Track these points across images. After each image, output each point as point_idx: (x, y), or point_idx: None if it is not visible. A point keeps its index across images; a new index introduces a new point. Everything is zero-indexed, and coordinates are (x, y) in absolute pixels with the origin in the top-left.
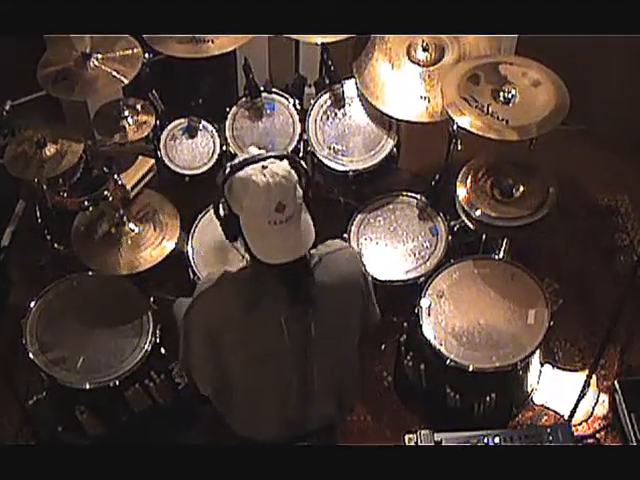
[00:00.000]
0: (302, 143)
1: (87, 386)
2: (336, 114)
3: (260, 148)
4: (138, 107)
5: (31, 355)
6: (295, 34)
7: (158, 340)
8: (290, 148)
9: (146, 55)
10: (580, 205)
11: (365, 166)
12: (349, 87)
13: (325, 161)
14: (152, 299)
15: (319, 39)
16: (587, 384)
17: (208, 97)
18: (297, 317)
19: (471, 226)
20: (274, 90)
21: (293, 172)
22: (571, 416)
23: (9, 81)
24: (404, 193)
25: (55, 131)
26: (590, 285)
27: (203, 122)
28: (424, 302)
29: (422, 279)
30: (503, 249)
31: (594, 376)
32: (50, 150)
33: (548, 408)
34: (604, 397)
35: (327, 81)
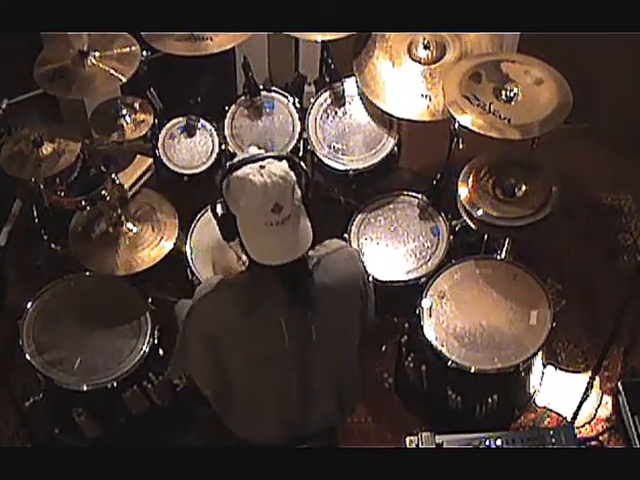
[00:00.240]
0: (302, 142)
1: (84, 388)
2: (336, 113)
3: (260, 147)
4: (136, 105)
5: (28, 356)
6: (295, 32)
7: (156, 341)
8: (290, 147)
9: (144, 53)
10: (583, 205)
11: (365, 165)
12: (349, 85)
13: (325, 160)
14: (150, 300)
15: (319, 37)
16: (590, 386)
17: (207, 95)
18: (297, 319)
19: (473, 226)
20: (274, 88)
21: (291, 173)
22: (574, 418)
23: (5, 79)
24: (405, 192)
25: (52, 130)
26: (593, 286)
27: (202, 121)
28: (425, 303)
29: (423, 279)
30: (505, 249)
31: (597, 378)
32: (47, 149)
33: (551, 410)
34: (607, 399)
35: (327, 79)
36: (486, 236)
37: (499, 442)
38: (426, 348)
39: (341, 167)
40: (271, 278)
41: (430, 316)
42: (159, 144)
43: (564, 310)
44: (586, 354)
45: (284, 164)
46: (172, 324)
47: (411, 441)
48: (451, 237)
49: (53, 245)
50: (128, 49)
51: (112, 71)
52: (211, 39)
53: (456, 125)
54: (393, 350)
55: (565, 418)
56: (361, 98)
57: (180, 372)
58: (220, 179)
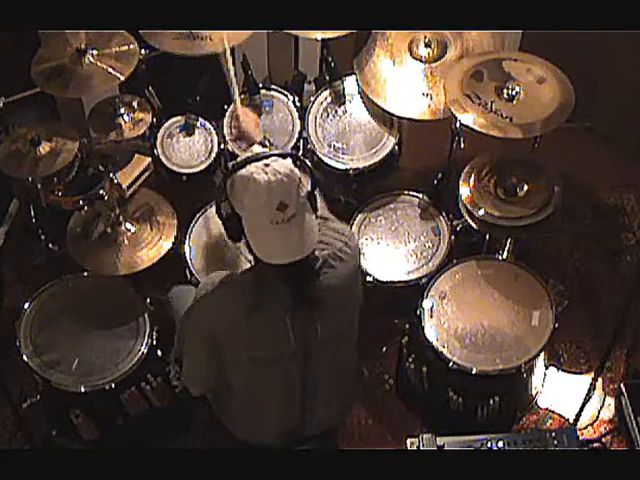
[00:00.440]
0: (301, 141)
1: (82, 389)
2: (336, 111)
3: (264, 146)
4: (134, 104)
5: (25, 357)
6: (294, 30)
7: (155, 342)
8: (289, 146)
9: (142, 51)
10: (586, 204)
11: (366, 164)
12: (350, 84)
13: (325, 159)
14: (149, 300)
15: (319, 35)
16: (593, 387)
17: (206, 94)
18: (302, 319)
19: (474, 226)
20: (273, 87)
21: (296, 170)
22: (576, 420)
23: (2, 78)
24: (406, 192)
25: (49, 129)
26: (596, 286)
27: (201, 119)
28: (426, 303)
29: (424, 280)
30: (507, 249)
31: (600, 379)
32: (44, 148)
33: (553, 412)
34: (610, 400)
35: (327, 78)
36: (488, 236)
37: (501, 444)
38: (427, 349)
39: (341, 166)
40: (276, 277)
41: (431, 317)
42: (157, 143)
43: (566, 311)
44: (588, 355)
45: (288, 162)
46: (171, 325)
47: (412, 443)
48: (452, 237)
49: (51, 245)
50: (126, 47)
51: (110, 69)
52: (210, 38)
53: (457, 124)
54: (394, 351)
55: (567, 420)
56: (361, 97)
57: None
58: (224, 179)
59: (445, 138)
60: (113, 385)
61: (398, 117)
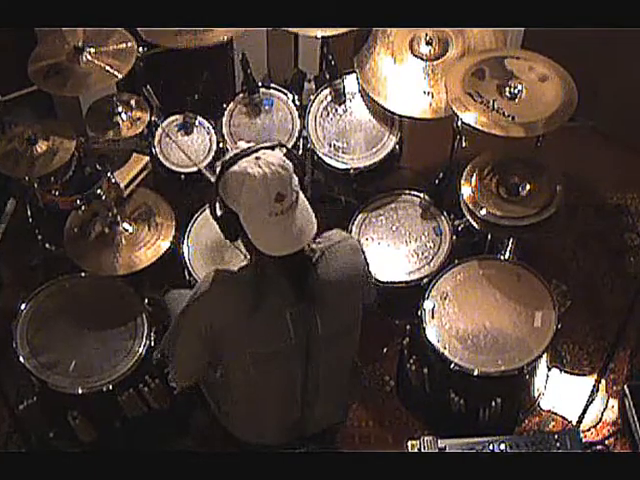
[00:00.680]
0: (301, 140)
1: (79, 391)
2: (337, 110)
3: (248, 142)
4: (132, 103)
5: (21, 359)
6: (294, 27)
7: (153, 343)
8: (289, 145)
9: (140, 49)
10: (588, 204)
11: (367, 164)
12: (350, 82)
13: (325, 159)
14: (147, 301)
15: (319, 32)
16: (596, 389)
17: (204, 93)
18: (302, 313)
19: (476, 226)
20: (272, 85)
21: (288, 160)
22: (579, 422)
23: None
24: (407, 192)
25: (46, 127)
26: (599, 286)
27: (199, 118)
28: (427, 304)
29: (425, 280)
30: (509, 249)
31: (603, 380)
32: (41, 147)
33: (555, 413)
34: (613, 402)
35: (327, 76)
36: (489, 236)
37: (503, 446)
38: (428, 350)
39: (342, 166)
40: (276, 272)
41: (432, 318)
42: (156, 142)
43: (569, 311)
44: (592, 356)
45: (278, 152)
46: (169, 325)
47: (413, 445)
48: (454, 237)
49: (48, 245)
50: (124, 45)
51: (108, 67)
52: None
53: (459, 123)
54: (395, 352)
55: (570, 422)
56: (362, 95)
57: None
58: (216, 179)
59: (446, 137)
60: (111, 387)
61: (399, 116)
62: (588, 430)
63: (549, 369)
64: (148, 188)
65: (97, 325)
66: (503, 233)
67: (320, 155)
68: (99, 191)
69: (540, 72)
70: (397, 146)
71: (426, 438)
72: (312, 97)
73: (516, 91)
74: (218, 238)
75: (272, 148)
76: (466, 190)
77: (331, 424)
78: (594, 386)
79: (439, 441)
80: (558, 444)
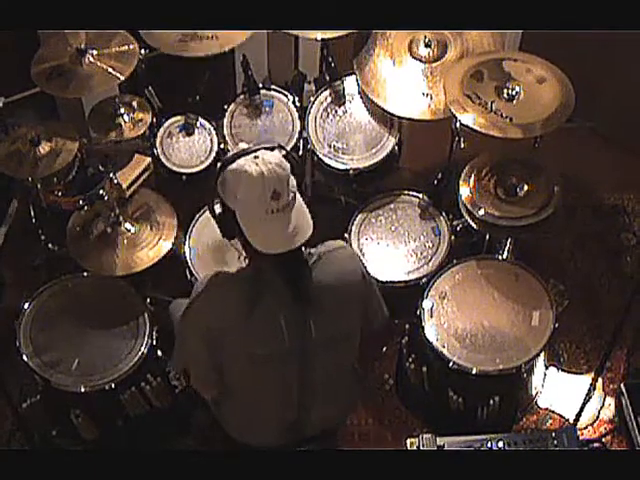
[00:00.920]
0: (302, 141)
1: (82, 389)
2: (336, 111)
3: (249, 143)
4: (134, 104)
5: (25, 357)
6: (294, 30)
7: (155, 342)
8: (289, 146)
9: (142, 51)
10: (586, 204)
11: (366, 164)
12: (350, 84)
13: (325, 159)
14: (148, 300)
15: (319, 35)
16: (593, 387)
17: (206, 94)
18: (296, 316)
19: (474, 226)
20: (273, 87)
21: (285, 161)
22: (576, 420)
23: (2, 78)
24: (406, 192)
25: (49, 129)
26: (596, 286)
27: (200, 119)
28: (426, 303)
29: (424, 280)
30: (507, 249)
31: (600, 379)
32: (44, 148)
33: (553, 412)
34: (610, 400)
35: (327, 78)
36: (488, 236)
37: (501, 444)
38: (427, 349)
39: (341, 166)
40: (272, 274)
41: (431, 317)
42: (157, 143)
43: (566, 311)
44: (589, 355)
45: (277, 153)
46: (170, 325)
47: (412, 443)
48: (452, 237)
49: (50, 245)
50: (126, 47)
51: (110, 69)
52: (216, 37)
53: (457, 124)
54: (394, 351)
55: (567, 420)
56: (361, 97)
57: (181, 366)
58: (215, 177)
59: (445, 138)
60: (113, 385)
61: (398, 117)
62: (585, 428)
63: (547, 368)
64: (150, 189)
65: (99, 324)
66: (501, 233)
67: (320, 156)
68: (101, 191)
69: (538, 74)
70: (396, 147)
71: (425, 436)
72: (312, 98)
73: (514, 93)
74: (219, 238)
75: (271, 149)
76: (464, 190)
77: (331, 427)
78: (591, 384)
79: (438, 439)
80: (555, 442)
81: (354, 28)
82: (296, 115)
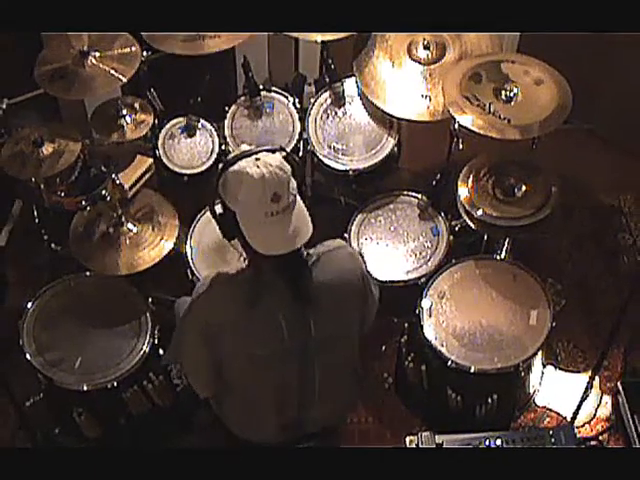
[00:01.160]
0: (302, 142)
1: (85, 387)
2: (336, 113)
3: (251, 145)
4: (136, 106)
5: (28, 356)
6: (295, 32)
7: (156, 341)
8: (290, 147)
9: (144, 53)
10: (583, 205)
11: (366, 165)
12: (349, 85)
13: (325, 160)
14: (150, 299)
15: (319, 37)
16: (590, 386)
17: (207, 96)
18: (296, 316)
19: (473, 226)
20: (274, 89)
21: (286, 163)
22: (574, 418)
23: (6, 79)
24: (405, 193)
25: (52, 130)
26: (593, 286)
27: (202, 121)
28: (425, 303)
29: (423, 279)
30: (505, 249)
31: (597, 377)
32: (47, 149)
33: (550, 410)
34: (607, 399)
35: (327, 79)
36: (486, 236)
37: (499, 442)
38: (426, 348)
39: (341, 167)
40: (272, 273)
41: (430, 316)
42: (159, 144)
43: (564, 310)
44: (586, 354)
45: (278, 155)
46: (172, 324)
47: (411, 441)
48: (451, 237)
49: (53, 245)
50: (128, 49)
51: (112, 71)
52: (218, 36)
53: (456, 125)
54: (393, 350)
55: (565, 418)
56: (361, 98)
57: (173, 360)
58: (216, 178)
59: (444, 139)
60: (115, 384)
61: (397, 118)
62: (582, 426)
63: (544, 366)
64: (152, 189)
65: (102, 323)
66: (499, 233)
67: (320, 157)
68: (104, 192)
69: (535, 76)
70: (395, 148)
71: (424, 434)
72: (312, 100)
73: (512, 94)
74: (220, 238)
75: (273, 151)
76: (463, 191)
77: (331, 425)
78: (588, 383)
79: (436, 437)
80: (553, 440)
81: (354, 30)
82: (296, 116)
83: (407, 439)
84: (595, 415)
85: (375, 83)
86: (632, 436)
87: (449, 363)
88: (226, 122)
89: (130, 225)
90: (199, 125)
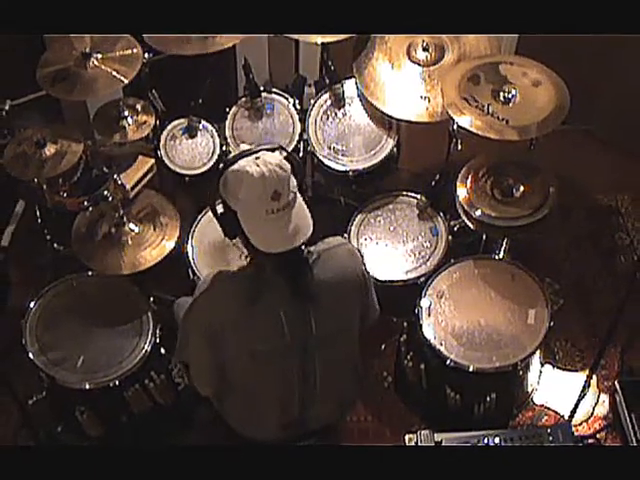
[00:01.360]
0: (302, 143)
1: (87, 386)
2: (336, 114)
3: (251, 144)
4: (138, 107)
5: (31, 355)
6: (295, 34)
7: (158, 340)
8: (290, 148)
9: (146, 55)
10: (580, 205)
11: (365, 166)
12: (349, 87)
13: (325, 161)
14: (152, 299)
15: (319, 39)
16: (587, 384)
17: (208, 97)
18: (297, 312)
19: (471, 226)
20: (274, 90)
21: (285, 162)
22: (571, 416)
23: (8, 81)
24: (404, 193)
25: (55, 131)
26: (590, 285)
27: (203, 122)
28: (424, 302)
29: (422, 279)
30: (503, 249)
31: (594, 376)
32: (50, 150)
33: (548, 408)
34: (604, 397)
35: (327, 81)
36: (484, 236)
37: (497, 440)
38: (425, 347)
39: (341, 168)
40: (273, 271)
41: (429, 315)
42: (161, 145)
43: (562, 309)
44: (583, 353)
45: (277, 154)
46: (173, 323)
47: (410, 439)
48: (450, 237)
49: (56, 245)
50: (130, 51)
51: (114, 73)
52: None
53: (455, 126)
54: (392, 349)
55: (563, 416)
56: (361, 100)
57: (181, 359)
58: (217, 178)
59: (443, 140)
60: (117, 382)
61: (397, 119)
62: (580, 424)
63: (542, 365)
64: (153, 189)
65: (104, 323)
66: (498, 233)
67: (320, 157)
68: (106, 192)
69: (533, 77)
70: (395, 149)
71: (423, 432)
72: (312, 101)
73: (510, 96)
74: (221, 238)
75: (272, 150)
76: (462, 191)
77: (331, 422)
78: (586, 382)
79: (435, 435)
80: (551, 438)
81: (354, 32)
82: (296, 117)
83: (406, 437)
84: (592, 413)
85: (375, 84)
86: (629, 434)
87: (448, 362)
88: (227, 123)
89: (132, 225)
90: (200, 126)
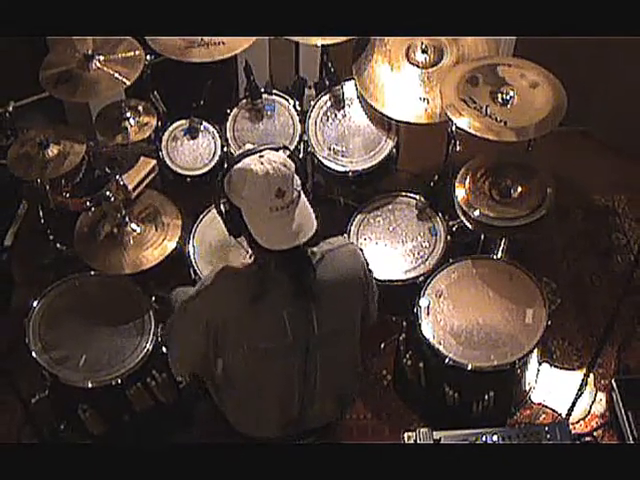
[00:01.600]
0: (302, 144)
1: (89, 385)
2: (336, 115)
3: (254, 144)
4: (140, 108)
5: (34, 354)
6: (295, 36)
7: (160, 339)
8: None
9: (148, 57)
10: (578, 205)
11: (365, 167)
12: (349, 88)
13: (325, 162)
14: (154, 298)
15: (319, 41)
16: (585, 383)
17: (209, 98)
18: (299, 311)
19: (470, 226)
20: (274, 91)
21: (290, 160)
22: (569, 414)
23: (12, 82)
24: (403, 193)
25: (57, 132)
26: (588, 285)
27: (204, 123)
28: (423, 302)
29: (421, 279)
30: (501, 249)
31: (592, 375)
32: (53, 151)
33: (546, 406)
34: (601, 396)
35: (327, 83)
36: (483, 236)
37: (495, 438)
38: (424, 346)
39: (341, 169)
40: (276, 269)
41: (428, 315)
42: (162, 146)
43: (559, 309)
44: (580, 352)
45: (281, 153)
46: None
47: (409, 437)
48: (448, 237)
49: (59, 245)
50: (132, 53)
51: (116, 75)
52: (223, 42)
53: (453, 127)
54: (391, 348)
55: (560, 414)
56: (360, 101)
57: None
58: (221, 176)
59: (441, 141)
60: (119, 381)
61: (396, 121)
62: (577, 422)
63: (540, 364)
64: (155, 190)
65: (106, 322)
66: (496, 233)
67: (320, 158)
68: (108, 193)
69: (531, 79)
70: (394, 150)
71: (422, 430)
72: (312, 103)
73: (508, 97)
74: (223, 238)
75: (276, 149)
76: (460, 192)
77: (329, 421)
78: (583, 380)
79: (434, 433)
80: (548, 436)
81: (353, 34)
82: (297, 119)
83: (405, 435)
84: (590, 412)
85: (374, 86)
86: (626, 432)
87: (446, 361)
88: (228, 124)
89: (134, 225)
90: (201, 127)
